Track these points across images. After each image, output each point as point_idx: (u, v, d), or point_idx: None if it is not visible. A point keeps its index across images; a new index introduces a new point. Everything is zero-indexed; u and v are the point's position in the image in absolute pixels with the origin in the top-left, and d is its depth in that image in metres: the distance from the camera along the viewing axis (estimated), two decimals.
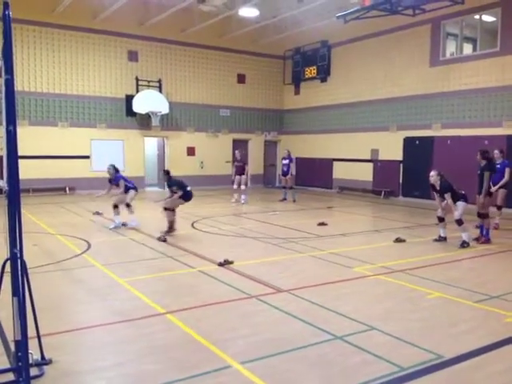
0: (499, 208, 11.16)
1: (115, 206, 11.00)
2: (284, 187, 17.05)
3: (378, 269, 7.29)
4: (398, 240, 9.50)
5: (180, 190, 10.19)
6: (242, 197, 15.87)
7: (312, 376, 3.83)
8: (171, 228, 10.07)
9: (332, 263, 7.68)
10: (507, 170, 10.72)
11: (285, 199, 16.73)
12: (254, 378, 3.75)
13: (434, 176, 9.26)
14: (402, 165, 18.19)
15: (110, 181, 11.34)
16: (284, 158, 17.19)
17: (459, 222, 9.00)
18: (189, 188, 10.44)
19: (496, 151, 10.97)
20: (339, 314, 5.23)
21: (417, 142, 17.51)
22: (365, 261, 7.79)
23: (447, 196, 9.09)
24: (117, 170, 11.33)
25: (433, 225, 11.32)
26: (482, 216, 9.64)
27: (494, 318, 5.20)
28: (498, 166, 10.59)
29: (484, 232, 9.65)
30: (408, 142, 17.89)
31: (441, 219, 9.48)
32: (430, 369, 3.95)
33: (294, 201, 16.43)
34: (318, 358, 4.16)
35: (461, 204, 9.09)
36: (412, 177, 17.66)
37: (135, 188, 11.36)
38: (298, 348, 4.34)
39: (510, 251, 8.82)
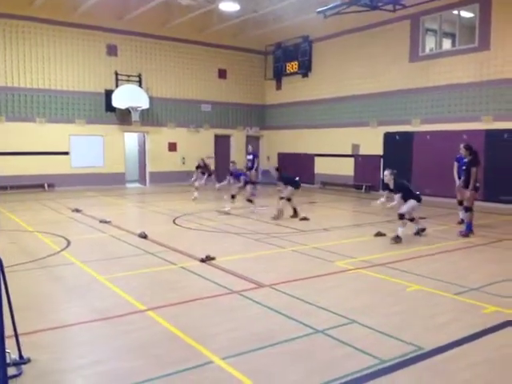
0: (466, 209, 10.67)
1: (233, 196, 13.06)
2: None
3: (359, 263, 7.35)
4: (379, 234, 9.59)
5: (289, 184, 11.69)
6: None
7: (294, 370, 3.84)
8: (281, 214, 11.58)
9: (314, 258, 7.72)
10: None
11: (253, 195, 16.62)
12: (237, 374, 3.75)
13: (387, 175, 9.34)
14: (382, 159, 18.34)
15: (232, 174, 13.30)
16: (248, 154, 17.14)
17: (401, 216, 9.05)
18: (297, 178, 12.01)
19: (461, 145, 10.35)
20: (321, 308, 5.26)
21: (397, 137, 17.68)
22: (346, 255, 7.84)
23: (397, 197, 9.17)
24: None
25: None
26: (469, 210, 9.69)
27: (472, 310, 5.28)
28: (466, 161, 10.19)
29: (466, 226, 9.72)
30: (388, 137, 18.04)
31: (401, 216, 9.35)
32: (410, 360, 4.00)
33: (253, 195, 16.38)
34: (299, 351, 4.17)
35: (411, 202, 9.13)
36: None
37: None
38: (279, 342, 4.35)
39: (489, 244, 8.97)
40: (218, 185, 13.78)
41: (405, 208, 9.11)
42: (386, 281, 6.40)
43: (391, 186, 9.36)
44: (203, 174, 15.72)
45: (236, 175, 13.25)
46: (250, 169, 16.94)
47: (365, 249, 8.44)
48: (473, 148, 10.05)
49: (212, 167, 16.13)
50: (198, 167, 16.01)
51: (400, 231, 8.99)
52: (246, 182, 13.00)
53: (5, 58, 17.63)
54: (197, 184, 15.45)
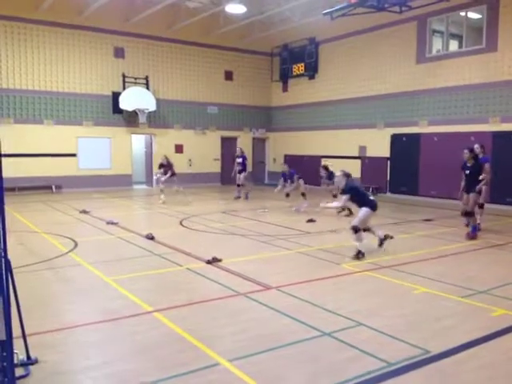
0: (481, 206, 10.64)
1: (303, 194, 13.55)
2: (239, 185, 16.65)
3: (365, 265, 7.33)
4: (386, 236, 9.53)
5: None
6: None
7: (300, 372, 3.84)
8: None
9: (320, 260, 7.70)
10: (487, 166, 10.29)
11: (239, 197, 16.47)
12: (243, 376, 3.75)
13: (339, 176, 8.41)
14: (389, 161, 18.30)
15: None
16: (238, 157, 16.75)
17: (354, 229, 7.94)
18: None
19: (476, 145, 10.50)
20: (327, 311, 5.24)
21: (404, 139, 17.62)
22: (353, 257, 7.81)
23: (344, 198, 8.36)
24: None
25: (420, 221, 11.44)
26: (470, 215, 9.61)
27: (480, 313, 5.25)
28: (469, 165, 9.93)
29: (471, 229, 9.61)
30: (395, 139, 17.99)
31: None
32: (416, 364, 3.98)
33: (247, 198, 16.29)
34: (306, 354, 4.17)
35: (363, 210, 8.09)
36: (399, 173, 17.79)
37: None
38: (286, 345, 4.34)
39: (496, 246, 8.91)
40: (276, 189, 14.17)
41: (356, 219, 8.13)
42: (393, 283, 6.37)
43: (341, 186, 8.44)
44: (165, 173, 15.20)
45: (289, 176, 13.94)
46: (240, 172, 16.43)
47: (371, 251, 8.40)
48: (475, 151, 10.01)
49: (174, 167, 15.47)
50: (161, 166, 15.39)
51: (358, 245, 7.87)
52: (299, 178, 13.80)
53: (13, 60, 17.76)
54: (162, 186, 15.11)
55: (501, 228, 11.04)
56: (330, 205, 9.32)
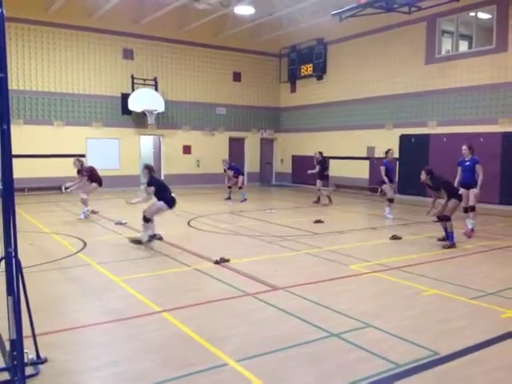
0: (473, 209, 9.96)
1: None
2: (230, 187, 16.35)
3: (374, 266, 7.30)
4: (394, 237, 9.52)
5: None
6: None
7: (308, 373, 3.83)
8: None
9: (328, 261, 7.69)
10: (479, 167, 9.73)
11: (229, 198, 16.24)
12: (251, 376, 3.75)
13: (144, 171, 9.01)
14: (398, 162, 18.20)
15: None
16: (229, 168, 16.29)
17: (145, 218, 8.57)
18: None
19: (464, 147, 9.99)
20: (335, 312, 5.23)
21: (413, 140, 17.54)
22: (361, 258, 7.80)
23: (149, 189, 8.81)
24: None
25: (429, 222, 11.35)
26: (446, 219, 8.85)
27: (490, 315, 5.21)
28: (468, 163, 9.86)
29: (449, 235, 8.87)
30: (404, 140, 17.91)
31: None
32: (425, 365, 3.95)
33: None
34: (314, 355, 4.16)
35: (158, 203, 8.74)
36: (408, 174, 17.66)
37: None
38: (294, 345, 4.33)
39: (505, 248, 8.84)
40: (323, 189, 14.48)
41: (148, 210, 8.67)
42: (402, 284, 6.35)
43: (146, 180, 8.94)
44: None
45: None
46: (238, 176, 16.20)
47: (380, 252, 8.38)
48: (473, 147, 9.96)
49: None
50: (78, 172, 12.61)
51: (142, 235, 8.61)
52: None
53: (23, 62, 17.92)
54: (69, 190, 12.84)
55: (511, 230, 10.94)
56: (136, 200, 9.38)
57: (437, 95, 16.79)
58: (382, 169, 12.54)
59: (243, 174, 16.77)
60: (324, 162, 15.92)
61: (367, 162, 19.48)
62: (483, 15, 15.84)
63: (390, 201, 12.61)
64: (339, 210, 14.55)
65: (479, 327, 4.84)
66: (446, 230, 8.96)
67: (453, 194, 8.90)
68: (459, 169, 10.04)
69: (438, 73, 16.72)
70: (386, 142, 18.52)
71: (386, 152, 12.88)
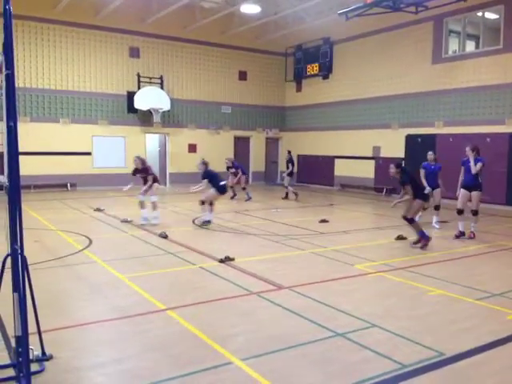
0: (475, 213, 9.74)
1: None
2: (232, 186, 16.00)
3: (379, 266, 7.28)
4: (400, 237, 9.48)
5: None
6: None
7: (313, 373, 3.82)
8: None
9: (333, 260, 7.67)
10: (479, 165, 9.51)
11: (234, 195, 16.23)
12: (255, 375, 3.75)
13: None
14: (403, 162, 18.12)
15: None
16: (231, 167, 16.29)
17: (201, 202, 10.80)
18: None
19: (467, 148, 9.78)
20: (340, 311, 5.22)
21: (419, 140, 17.46)
22: (366, 258, 7.78)
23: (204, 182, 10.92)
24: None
25: (435, 222, 11.30)
26: (410, 221, 8.70)
27: (495, 316, 5.18)
28: (469, 164, 9.64)
29: (420, 234, 8.65)
30: (410, 140, 17.84)
31: None
32: (430, 366, 3.94)
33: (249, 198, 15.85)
34: (319, 354, 4.15)
35: (211, 190, 10.81)
36: (414, 174, 17.60)
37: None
38: (299, 345, 4.33)
39: (511, 249, 8.78)
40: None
41: (203, 195, 10.84)
42: (407, 285, 6.32)
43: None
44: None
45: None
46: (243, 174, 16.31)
47: (385, 252, 8.36)
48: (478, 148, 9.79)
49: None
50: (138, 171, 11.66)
51: (209, 216, 10.72)
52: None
53: (30, 59, 17.98)
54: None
55: None
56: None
57: (443, 95, 16.71)
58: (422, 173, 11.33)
59: (246, 174, 16.65)
60: (292, 160, 16.96)
61: (373, 162, 19.42)
62: (490, 15, 15.75)
63: (436, 208, 11.12)
64: (344, 210, 14.52)
65: (485, 328, 4.82)
66: (417, 232, 8.70)
67: (419, 192, 8.73)
68: (462, 169, 9.90)
69: (445, 73, 16.64)
70: (392, 141, 18.50)
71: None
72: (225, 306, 5.40)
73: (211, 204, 10.86)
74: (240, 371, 3.83)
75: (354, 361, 4.03)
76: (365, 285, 6.39)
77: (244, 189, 16.12)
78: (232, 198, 16.06)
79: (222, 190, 10.90)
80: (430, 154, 11.10)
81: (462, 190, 9.74)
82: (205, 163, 11.06)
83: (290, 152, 17.39)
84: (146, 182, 11.09)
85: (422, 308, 5.42)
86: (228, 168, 16.48)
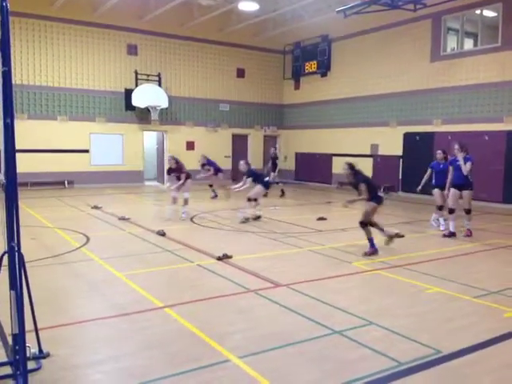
0: (468, 212, 9.65)
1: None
2: (211, 185, 15.98)
3: (376, 264, 7.29)
4: (397, 235, 9.47)
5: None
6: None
7: (310, 370, 3.82)
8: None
9: (331, 258, 7.68)
10: (469, 164, 9.37)
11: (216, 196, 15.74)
12: (252, 373, 3.75)
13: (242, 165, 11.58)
14: (401, 160, 18.16)
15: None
16: (204, 164, 15.70)
17: (249, 199, 11.18)
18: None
19: (456, 146, 9.60)
20: (338, 309, 5.22)
21: (417, 138, 17.47)
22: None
23: (248, 180, 11.55)
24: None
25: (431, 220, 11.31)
26: (362, 225, 8.24)
27: (493, 314, 5.20)
28: (459, 162, 9.46)
29: (369, 241, 8.10)
30: (408, 138, 17.85)
31: None
32: (428, 364, 3.95)
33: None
34: (316, 352, 4.15)
35: (258, 187, 11.51)
36: (412, 172, 17.58)
37: None
38: (296, 342, 4.33)
39: (508, 247, 8.80)
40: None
41: (251, 193, 11.34)
42: (405, 282, 6.33)
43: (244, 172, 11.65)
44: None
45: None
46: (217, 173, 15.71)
47: (383, 250, 8.36)
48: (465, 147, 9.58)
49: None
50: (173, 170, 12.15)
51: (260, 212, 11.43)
52: None
53: (27, 56, 17.93)
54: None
55: None
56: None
57: (442, 93, 16.71)
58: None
59: (221, 171, 15.90)
60: (277, 157, 17.52)
61: (371, 160, 19.42)
62: (489, 13, 15.75)
63: (439, 208, 10.58)
64: (342, 208, 14.50)
65: (482, 326, 4.83)
66: (382, 231, 8.29)
67: (373, 195, 8.08)
68: (451, 168, 9.70)
69: (443, 70, 16.64)
70: (390, 139, 18.51)
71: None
72: (222, 304, 5.40)
73: (256, 200, 11.42)
74: (237, 369, 3.83)
75: (350, 358, 4.04)
76: (362, 282, 6.40)
77: (211, 186, 15.80)
78: (213, 197, 15.58)
79: (267, 186, 11.85)
80: (439, 153, 10.38)
81: (452, 189, 9.63)
82: (248, 163, 11.97)
83: (275, 148, 17.64)
84: (179, 179, 11.74)
85: (419, 306, 5.43)
86: (203, 165, 15.84)
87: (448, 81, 16.50)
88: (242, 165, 11.81)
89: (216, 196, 15.70)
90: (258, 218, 11.33)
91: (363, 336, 4.48)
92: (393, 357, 4.03)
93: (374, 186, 8.44)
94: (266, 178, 12.04)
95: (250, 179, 11.50)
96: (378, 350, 4.16)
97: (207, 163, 15.79)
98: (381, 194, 8.48)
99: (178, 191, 11.65)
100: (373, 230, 8.16)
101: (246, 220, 11.03)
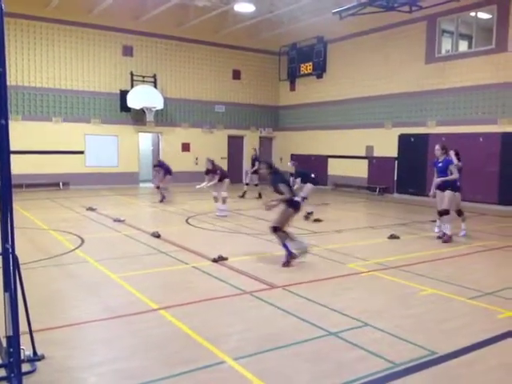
0: (447, 213, 9.31)
1: None
2: (158, 187, 15.39)
3: (372, 265, 7.30)
4: (393, 237, 9.51)
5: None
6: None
7: (306, 372, 3.82)
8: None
9: (327, 259, 7.68)
10: (453, 167, 9.16)
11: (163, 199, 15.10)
12: (248, 374, 3.75)
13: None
14: (396, 162, 18.22)
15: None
16: (155, 166, 15.57)
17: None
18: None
19: (437, 147, 9.43)
20: (333, 310, 5.23)
21: (412, 139, 17.53)
22: (359, 257, 7.80)
23: (297, 181, 11.61)
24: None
25: (427, 222, 11.36)
26: (273, 230, 7.46)
27: (487, 315, 5.22)
28: (440, 164, 9.31)
29: (284, 247, 7.35)
30: (403, 139, 17.91)
31: None
32: (423, 365, 3.95)
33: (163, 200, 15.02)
34: (311, 353, 4.15)
35: (308, 185, 11.57)
36: (407, 174, 17.70)
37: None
38: (292, 344, 4.33)
39: (504, 248, 8.84)
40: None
41: (303, 192, 11.20)
42: (400, 284, 6.34)
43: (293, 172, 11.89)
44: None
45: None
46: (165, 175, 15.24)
47: (378, 251, 8.38)
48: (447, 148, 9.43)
49: None
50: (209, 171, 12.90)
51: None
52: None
53: (22, 57, 17.87)
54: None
55: (509, 230, 10.95)
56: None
57: (436, 95, 16.78)
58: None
59: (171, 174, 15.26)
60: (258, 158, 17.20)
61: (366, 162, 19.47)
62: (483, 15, 15.83)
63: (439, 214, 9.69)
64: (338, 209, 14.55)
65: (477, 327, 4.84)
66: (292, 241, 7.47)
67: (290, 199, 7.33)
68: (435, 170, 9.52)
69: (438, 72, 16.71)
70: (385, 141, 18.56)
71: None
72: (218, 306, 5.39)
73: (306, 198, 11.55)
74: (233, 371, 3.83)
75: (346, 360, 4.04)
76: (358, 284, 6.40)
77: (158, 188, 15.24)
78: (161, 200, 14.87)
79: (315, 182, 11.98)
80: (437, 149, 9.41)
81: (437, 191, 9.44)
82: (295, 163, 12.34)
83: (255, 149, 17.91)
84: (220, 179, 12.49)
85: (415, 307, 5.44)
86: (155, 166, 15.84)
87: (443, 83, 16.57)
88: (290, 165, 12.27)
89: (164, 198, 14.90)
90: (311, 213, 11.56)
91: (359, 337, 4.48)
92: (388, 358, 4.04)
93: (292, 188, 7.75)
94: (313, 174, 12.00)
95: (299, 179, 11.59)
96: (373, 352, 4.17)
97: (158, 165, 15.38)
98: (298, 198, 7.63)
99: (218, 191, 12.46)
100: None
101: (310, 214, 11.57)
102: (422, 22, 16.96)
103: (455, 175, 9.15)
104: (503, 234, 10.24)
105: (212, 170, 12.61)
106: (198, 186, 12.84)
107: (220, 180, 12.41)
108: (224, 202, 12.25)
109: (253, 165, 17.08)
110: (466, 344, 4.38)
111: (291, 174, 12.01)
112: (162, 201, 14.93)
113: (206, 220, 11.55)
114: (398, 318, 5.04)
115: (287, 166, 13.00)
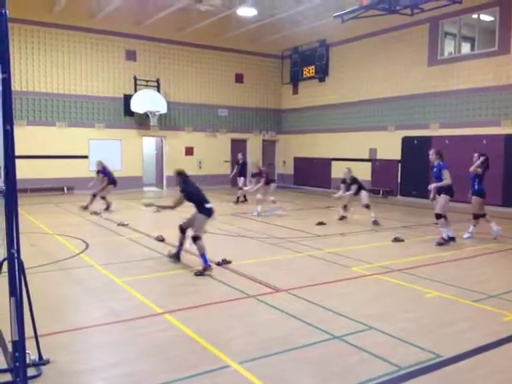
0: (438, 217, 9.31)
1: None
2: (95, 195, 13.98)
3: (376, 268, 7.29)
4: (396, 239, 9.50)
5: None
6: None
7: (310, 375, 3.82)
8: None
9: (330, 263, 7.68)
10: (445, 172, 9.05)
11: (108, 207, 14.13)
12: (253, 378, 3.75)
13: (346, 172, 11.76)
14: (400, 164, 18.20)
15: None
16: (99, 171, 14.10)
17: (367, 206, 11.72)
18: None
19: (431, 151, 9.38)
20: (337, 314, 5.22)
21: (415, 142, 17.51)
22: (363, 260, 7.79)
23: (353, 187, 11.90)
24: None
25: (431, 224, 11.34)
26: (194, 239, 7.25)
27: (492, 318, 5.20)
28: (435, 169, 9.25)
29: (201, 257, 7.08)
30: (406, 142, 17.89)
31: None
32: (427, 368, 3.95)
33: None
34: (316, 357, 4.15)
35: (363, 192, 11.97)
36: (410, 176, 17.68)
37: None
38: (296, 348, 4.33)
39: (508, 250, 8.82)
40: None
41: (364, 200, 11.84)
42: (404, 287, 6.33)
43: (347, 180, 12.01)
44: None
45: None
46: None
47: (382, 254, 8.37)
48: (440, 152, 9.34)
49: None
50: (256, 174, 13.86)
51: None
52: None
53: (26, 63, 17.96)
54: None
55: None
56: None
57: (439, 97, 16.76)
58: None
59: (115, 182, 14.19)
60: (246, 163, 17.88)
61: (369, 164, 19.45)
62: (486, 17, 15.82)
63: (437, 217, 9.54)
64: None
65: (482, 330, 4.83)
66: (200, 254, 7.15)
67: (200, 207, 7.53)
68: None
69: (441, 75, 16.70)
70: (389, 143, 18.54)
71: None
72: (222, 310, 5.40)
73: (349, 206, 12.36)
74: (237, 375, 3.83)
75: (351, 363, 4.03)
76: (362, 287, 6.40)
77: (103, 198, 13.88)
78: (106, 209, 13.71)
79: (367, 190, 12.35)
80: (431, 155, 9.32)
81: (436, 195, 9.49)
82: (349, 169, 12.23)
83: (242, 154, 18.14)
84: (266, 183, 13.26)
85: (419, 310, 5.43)
86: (98, 172, 14.14)
87: (445, 85, 16.55)
88: (346, 173, 12.15)
89: (108, 207, 13.81)
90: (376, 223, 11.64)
91: (363, 341, 4.48)
92: (393, 361, 4.03)
93: (200, 197, 7.63)
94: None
95: (355, 186, 11.80)
96: (377, 355, 4.16)
97: (102, 172, 14.05)
98: (209, 205, 7.55)
99: (264, 194, 13.15)
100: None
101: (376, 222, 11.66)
102: (425, 24, 16.96)
103: (447, 180, 9.03)
104: (508, 236, 10.20)
105: (257, 174, 13.42)
106: (245, 188, 14.16)
107: (266, 184, 13.26)
108: (274, 202, 13.17)
109: (243, 170, 17.26)
110: (471, 347, 4.37)
111: (343, 181, 12.13)
112: (107, 209, 13.65)
113: (210, 224, 11.51)
114: (402, 321, 5.03)
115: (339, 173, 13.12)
